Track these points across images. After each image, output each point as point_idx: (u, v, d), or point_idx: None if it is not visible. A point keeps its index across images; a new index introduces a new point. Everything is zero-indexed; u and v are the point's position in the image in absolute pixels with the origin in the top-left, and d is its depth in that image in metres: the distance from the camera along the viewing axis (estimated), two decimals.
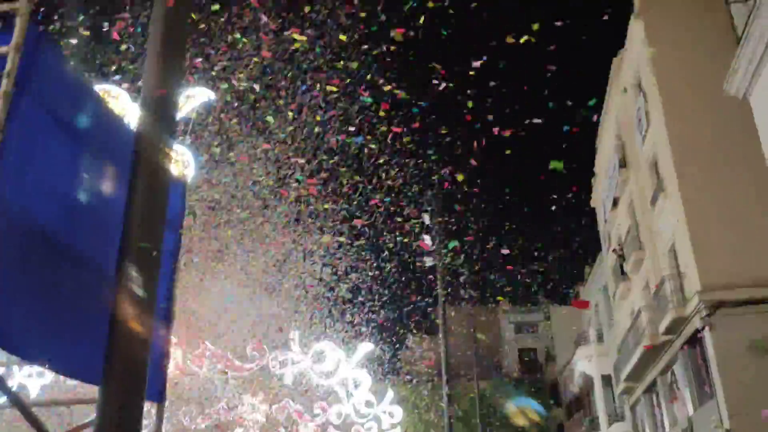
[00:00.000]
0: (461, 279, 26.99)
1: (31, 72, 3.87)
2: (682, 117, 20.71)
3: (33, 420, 3.66)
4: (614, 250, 28.22)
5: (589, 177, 33.39)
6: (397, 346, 29.36)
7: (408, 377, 32.28)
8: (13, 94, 3.67)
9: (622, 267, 27.32)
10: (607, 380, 32.08)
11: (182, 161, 6.49)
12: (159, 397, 4.96)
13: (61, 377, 15.75)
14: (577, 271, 39.62)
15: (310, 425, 21.58)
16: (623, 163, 26.09)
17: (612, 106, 27.82)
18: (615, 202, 27.80)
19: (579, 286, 39.62)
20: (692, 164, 20.01)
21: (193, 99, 8.89)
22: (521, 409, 36.88)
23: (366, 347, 21.81)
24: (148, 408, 4.68)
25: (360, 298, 23.57)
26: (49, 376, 15.92)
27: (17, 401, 3.69)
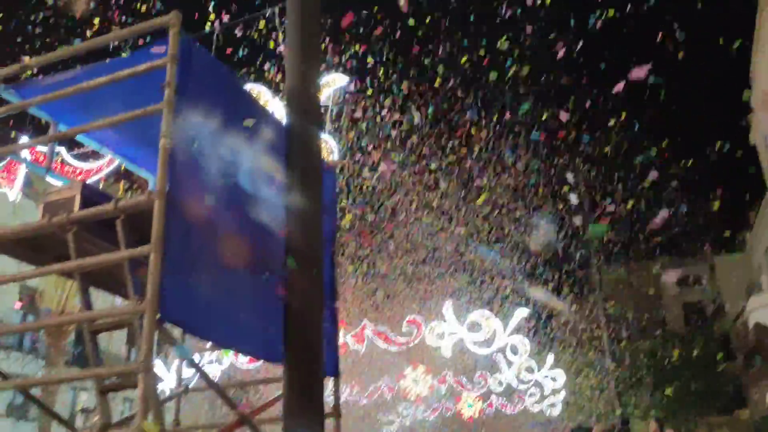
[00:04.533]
0: (613, 235, 25.94)
1: (188, 79, 4.15)
2: None
3: (227, 399, 3.97)
4: None
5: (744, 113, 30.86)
6: (553, 310, 28.81)
7: (567, 341, 31.64)
8: (175, 101, 3.95)
9: None
10: None
11: (327, 148, 6.71)
12: (334, 372, 5.22)
13: (236, 363, 16.97)
14: (742, 217, 36.83)
15: (472, 395, 21.76)
16: None
17: (765, 33, 25.48)
18: None
19: (745, 231, 36.90)
20: None
21: (329, 86, 9.15)
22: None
23: (521, 312, 21.59)
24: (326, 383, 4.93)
25: (510, 264, 23.36)
26: (226, 362, 17.19)
27: (213, 383, 4.01)
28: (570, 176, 20.24)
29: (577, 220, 21.91)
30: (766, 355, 33.08)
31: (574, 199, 20.62)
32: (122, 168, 6.42)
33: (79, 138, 5.64)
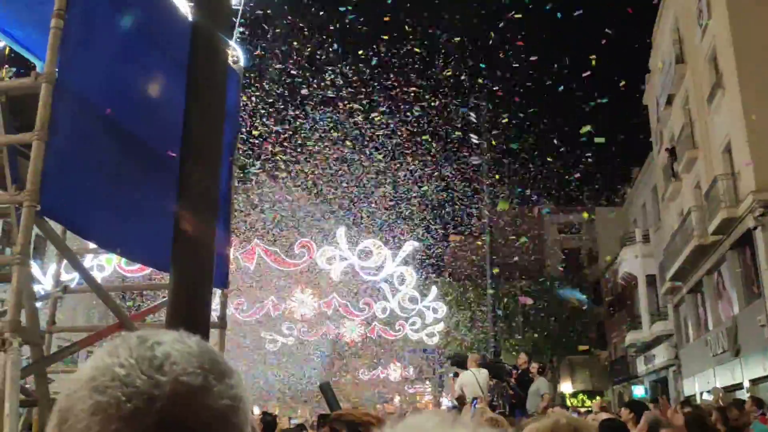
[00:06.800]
0: (505, 179, 26.80)
1: None
2: (747, 8, 19.54)
3: (109, 301, 3.84)
4: (666, 149, 27.50)
5: (642, 74, 32.17)
6: (442, 245, 29.67)
7: (452, 276, 32.81)
8: None
9: (673, 167, 26.70)
10: (651, 280, 32.07)
11: (233, 55, 6.43)
12: (223, 284, 5.14)
13: (119, 270, 16.49)
14: (625, 172, 38.86)
15: (356, 320, 22.33)
16: (680, 59, 24.98)
17: None
18: (669, 100, 26.83)
19: (626, 187, 39.01)
20: (754, 60, 19.02)
21: None
22: (566, 299, 37.81)
23: (411, 245, 22.13)
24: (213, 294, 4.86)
25: (406, 197, 23.70)
26: (109, 269, 16.66)
27: (94, 283, 3.86)
28: (472, 115, 20.55)
29: (475, 160, 22.39)
30: (629, 303, 35.68)
31: (474, 138, 21.01)
32: (7, 51, 5.84)
33: None
